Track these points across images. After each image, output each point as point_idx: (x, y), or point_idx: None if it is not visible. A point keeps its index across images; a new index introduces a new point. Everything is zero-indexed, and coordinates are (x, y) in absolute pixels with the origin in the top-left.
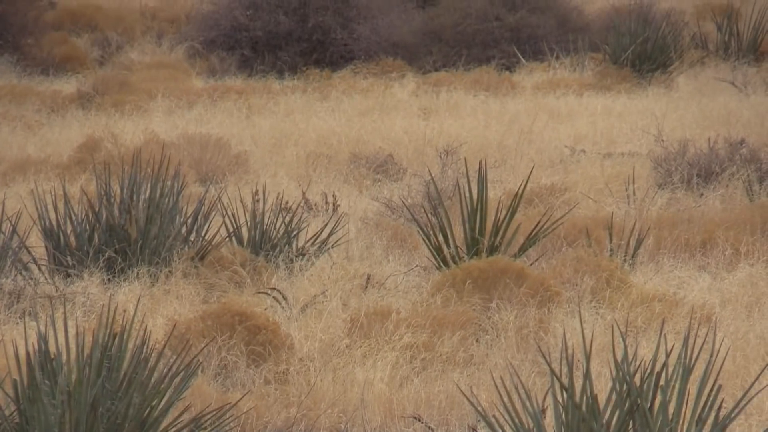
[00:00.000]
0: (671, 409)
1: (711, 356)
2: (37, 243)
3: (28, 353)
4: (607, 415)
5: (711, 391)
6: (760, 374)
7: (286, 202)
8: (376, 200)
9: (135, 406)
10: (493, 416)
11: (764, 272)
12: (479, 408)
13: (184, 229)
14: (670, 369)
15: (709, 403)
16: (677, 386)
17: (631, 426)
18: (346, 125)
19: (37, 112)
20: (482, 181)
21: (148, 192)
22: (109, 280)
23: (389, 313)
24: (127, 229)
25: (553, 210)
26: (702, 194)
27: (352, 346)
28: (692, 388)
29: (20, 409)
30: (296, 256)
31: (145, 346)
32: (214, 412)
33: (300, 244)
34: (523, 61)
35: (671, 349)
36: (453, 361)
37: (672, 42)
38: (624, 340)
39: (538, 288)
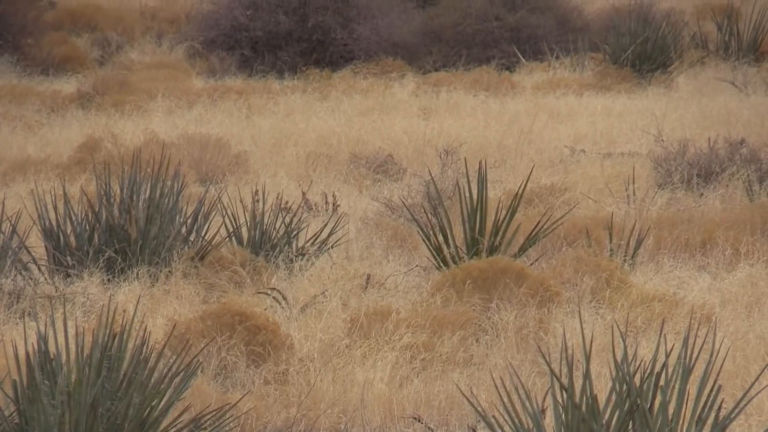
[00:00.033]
0: (671, 410)
1: (711, 356)
2: (36, 243)
3: (27, 353)
4: (606, 416)
5: (711, 391)
6: (760, 374)
7: (286, 202)
8: (376, 200)
9: (135, 407)
10: (493, 416)
11: (764, 272)
12: (479, 408)
13: (184, 229)
14: (670, 369)
15: (709, 404)
16: (677, 386)
17: (630, 426)
18: (346, 125)
19: (37, 112)
20: (482, 181)
21: (148, 192)
22: (108, 280)
23: (389, 313)
24: (127, 229)
25: (553, 210)
26: (702, 194)
27: (351, 346)
28: (692, 388)
29: (20, 409)
30: (296, 256)
31: (145, 347)
32: (214, 413)
33: (300, 244)
34: (523, 61)
35: (671, 350)
36: (453, 362)
37: (672, 42)
38: (624, 341)
39: (538, 288)
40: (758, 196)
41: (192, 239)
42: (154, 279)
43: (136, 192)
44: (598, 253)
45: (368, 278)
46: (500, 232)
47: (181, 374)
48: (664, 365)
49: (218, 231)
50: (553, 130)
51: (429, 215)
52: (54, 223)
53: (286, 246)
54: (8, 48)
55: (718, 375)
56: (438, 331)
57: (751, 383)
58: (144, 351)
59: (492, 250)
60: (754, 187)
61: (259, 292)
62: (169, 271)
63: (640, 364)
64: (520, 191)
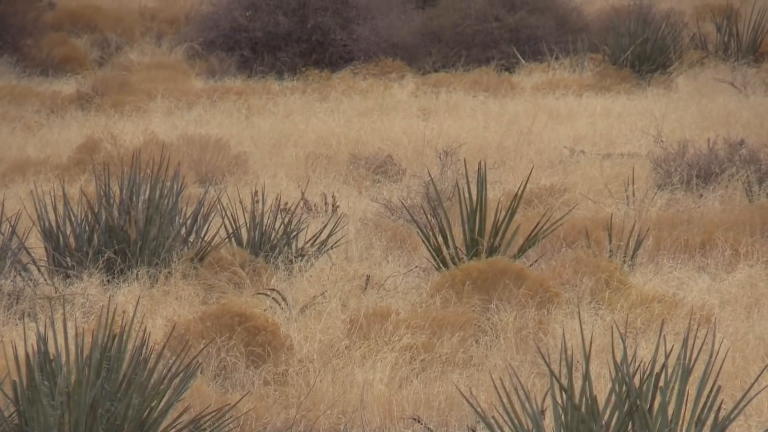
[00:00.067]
0: (671, 410)
1: (710, 357)
2: (36, 244)
3: (27, 354)
4: (606, 416)
5: (710, 392)
6: (759, 375)
7: (286, 203)
8: (375, 201)
9: (134, 407)
10: (493, 417)
11: (764, 273)
12: (478, 409)
13: (183, 230)
14: (670, 370)
15: (708, 404)
16: (677, 387)
17: (630, 427)
18: (345, 126)
19: (37, 113)
20: (481, 182)
21: (147, 193)
22: (108, 281)
23: (388, 314)
24: (126, 230)
25: (553, 211)
26: (701, 195)
27: (351, 347)
28: (691, 389)
29: (19, 410)
30: (295, 257)
31: (145, 347)
32: (214, 413)
33: (299, 245)
34: (523, 61)
35: (671, 350)
36: (452, 362)
37: (671, 43)
38: (623, 341)
39: (538, 289)
40: (758, 197)
41: (191, 240)
42: (154, 280)
43: (136, 193)
44: (598, 254)
45: (368, 279)
46: (500, 233)
47: (181, 375)
48: (664, 366)
49: (218, 232)
50: (552, 130)
51: (428, 216)
52: (53, 224)
53: (286, 247)
54: (8, 49)
55: (717, 376)
56: (437, 332)
57: (750, 384)
58: (143, 352)
59: (491, 251)
60: (753, 187)
61: (258, 293)
62: (169, 272)
63: (639, 365)
64: (520, 192)
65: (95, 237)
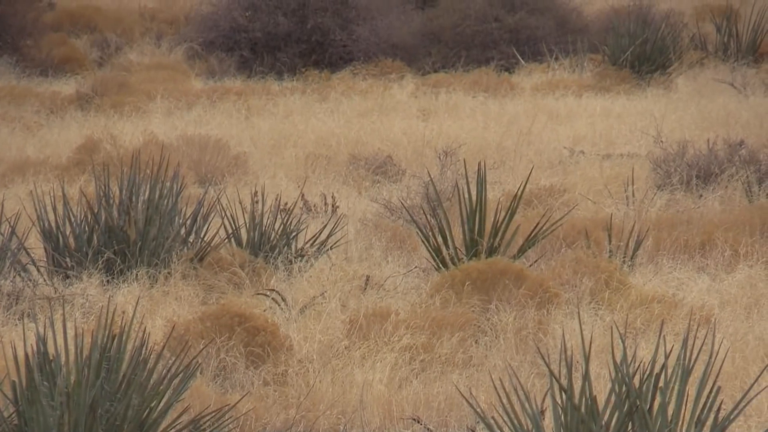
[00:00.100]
0: (670, 411)
1: (710, 357)
2: (36, 244)
3: (26, 354)
4: (606, 417)
5: (710, 392)
6: (759, 376)
7: (285, 204)
8: (375, 201)
9: (134, 408)
10: (492, 418)
11: (763, 273)
12: (478, 409)
13: (183, 231)
14: (670, 370)
15: (708, 405)
16: (676, 387)
17: (630, 427)
18: (345, 126)
19: (36, 113)
20: (481, 183)
21: (147, 193)
22: (108, 281)
23: (388, 315)
24: (126, 231)
25: (552, 211)
26: (701, 195)
27: (351, 347)
28: (691, 389)
29: (19, 410)
30: (295, 258)
31: (144, 348)
32: (213, 414)
33: (299, 246)
34: (522, 62)
35: (670, 351)
36: (452, 363)
37: (671, 43)
38: (623, 342)
39: (537, 289)
40: (757, 197)
41: (191, 240)
42: (153, 280)
43: (135, 193)
44: (598, 255)
45: (367, 279)
46: (499, 234)
47: (180, 375)
48: (664, 366)
49: (217, 232)
50: (552, 131)
51: (428, 216)
52: (53, 224)
53: (285, 247)
54: (7, 49)
55: (717, 376)
56: (437, 333)
57: (750, 384)
58: (143, 352)
59: (491, 251)
60: (753, 188)
61: (258, 294)
62: (168, 273)
63: (639, 366)
64: (520, 192)
65: (95, 237)
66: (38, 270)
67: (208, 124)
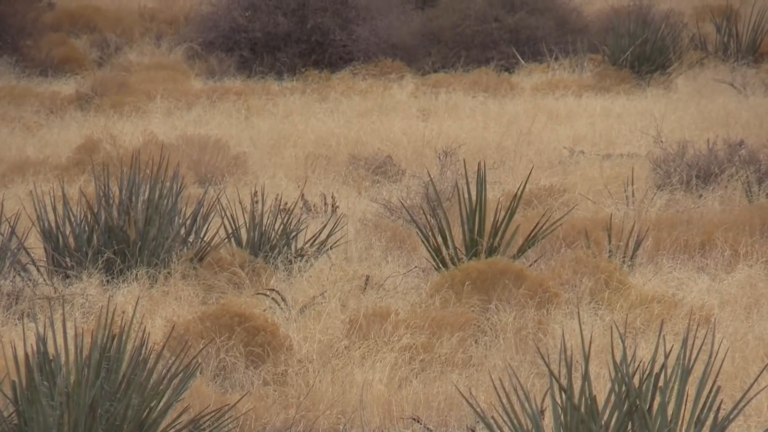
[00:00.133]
0: (670, 411)
1: (710, 357)
2: (35, 244)
3: (26, 354)
4: (606, 417)
5: (710, 392)
6: (759, 375)
7: (285, 204)
8: (374, 201)
9: (134, 407)
10: (492, 417)
11: (763, 273)
12: (478, 409)
13: (182, 231)
14: (669, 370)
15: (708, 405)
16: (676, 387)
17: (630, 427)
18: (344, 126)
19: (36, 114)
20: (481, 182)
21: (147, 193)
22: (107, 281)
23: (388, 315)
24: (125, 231)
25: (552, 211)
26: (701, 195)
27: (350, 347)
28: (691, 389)
29: (19, 410)
30: (295, 258)
31: (144, 348)
32: (213, 413)
33: (299, 246)
34: (522, 62)
35: (670, 351)
36: (452, 363)
37: (671, 43)
38: (623, 342)
39: (537, 289)
40: (757, 197)
41: (191, 240)
42: (153, 280)
43: (135, 193)
44: (597, 254)
45: (367, 279)
46: (499, 234)
47: (180, 375)
48: (663, 366)
49: (217, 232)
50: (552, 131)
51: (428, 216)
52: (53, 224)
53: (285, 247)
54: (7, 49)
55: (717, 376)
56: (437, 332)
57: (750, 384)
58: (143, 352)
59: (491, 251)
60: (753, 188)
61: (258, 293)
62: (168, 273)
63: (639, 365)
64: (519, 192)
65: (94, 237)
66: (38, 270)
67: (208, 124)
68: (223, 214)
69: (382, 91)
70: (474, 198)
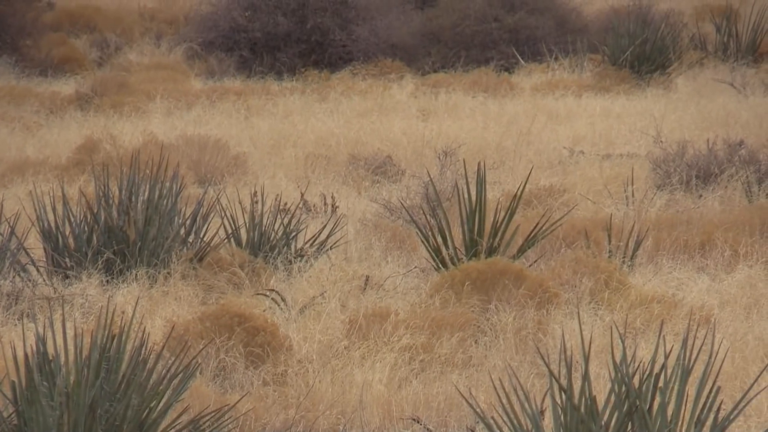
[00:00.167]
0: (670, 411)
1: (710, 357)
2: (35, 244)
3: (26, 355)
4: (605, 417)
5: (710, 392)
6: (759, 376)
7: (285, 204)
8: (374, 201)
9: (133, 408)
10: (492, 418)
11: (763, 273)
12: (478, 409)
13: (182, 231)
14: (669, 370)
15: (708, 405)
16: (676, 388)
17: (630, 427)
18: (344, 126)
19: (36, 114)
20: (481, 183)
21: (146, 193)
22: (107, 281)
23: (388, 315)
24: (125, 231)
25: (552, 211)
26: (701, 195)
27: (350, 347)
28: (691, 389)
29: (18, 410)
30: (295, 258)
31: (144, 348)
32: (213, 414)
33: (299, 246)
34: (522, 62)
35: (670, 351)
36: (452, 363)
37: (671, 43)
38: (623, 342)
39: (537, 289)
40: (757, 197)
41: (191, 240)
42: (153, 280)
43: (135, 193)
44: (597, 255)
45: (367, 279)
46: (499, 234)
47: (180, 375)
48: (663, 366)
49: (217, 232)
50: (551, 131)
51: (428, 216)
52: (52, 224)
53: (285, 247)
54: (7, 49)
55: (717, 376)
56: (437, 333)
57: (750, 384)
58: (143, 352)
59: (491, 251)
60: (752, 188)
61: (257, 294)
62: (168, 273)
63: (639, 366)
64: (519, 192)
65: (94, 237)
66: (38, 270)
67: (208, 124)
68: (222, 215)
69: (382, 91)
70: (474, 198)
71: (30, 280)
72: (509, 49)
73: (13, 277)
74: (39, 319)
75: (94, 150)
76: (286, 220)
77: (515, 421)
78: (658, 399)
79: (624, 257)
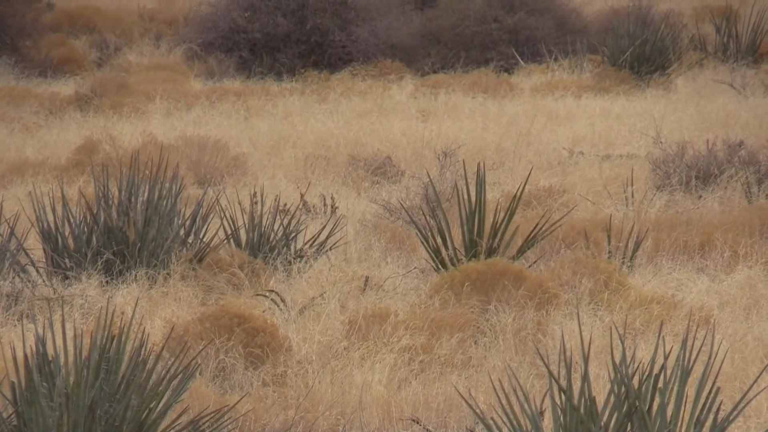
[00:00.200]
0: (670, 412)
1: (709, 358)
2: (35, 245)
3: (26, 355)
4: (605, 418)
5: (709, 393)
6: (758, 376)
7: (285, 204)
8: (374, 202)
9: (133, 408)
10: (492, 418)
11: (762, 274)
12: (477, 410)
13: (182, 231)
14: (669, 371)
15: (707, 406)
16: (675, 388)
17: (629, 428)
18: (344, 127)
19: (35, 114)
20: (480, 183)
21: (146, 194)
22: (107, 282)
23: (387, 316)
24: (125, 231)
25: (552, 212)
26: (700, 196)
27: (350, 348)
28: (691, 390)
29: (18, 411)
30: (294, 258)
31: (143, 348)
32: (212, 414)
33: (298, 246)
34: (522, 63)
35: (669, 351)
36: (451, 364)
37: (670, 44)
38: (622, 342)
39: (537, 290)
40: (757, 198)
41: (190, 241)
42: (153, 281)
43: (135, 194)
44: (597, 255)
45: (366, 280)
46: (498, 234)
47: (180, 376)
48: (663, 367)
49: (216, 233)
50: (551, 132)
51: (427, 217)
52: (52, 225)
53: (285, 248)
54: (6, 50)
55: (716, 377)
56: (436, 333)
57: (749, 385)
58: (142, 353)
59: (490, 252)
60: (752, 188)
61: (257, 294)
62: (168, 273)
63: (638, 366)
64: (519, 193)
65: (94, 238)
66: (37, 271)
67: (207, 125)
68: (222, 215)
69: (382, 92)
70: (473, 199)
71: (29, 281)
72: (509, 49)
73: (13, 277)
74: (38, 320)
75: (93, 151)
76: (285, 221)
77: (515, 422)
78: (657, 400)
79: (623, 258)
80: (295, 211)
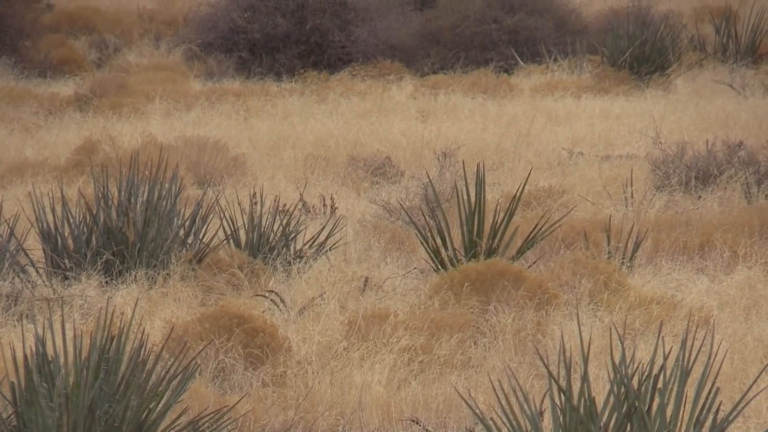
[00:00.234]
0: (669, 412)
1: (709, 359)
2: (34, 245)
3: (25, 356)
4: (605, 418)
5: (709, 393)
6: (758, 377)
7: (284, 205)
8: (373, 203)
9: (133, 409)
10: (491, 419)
11: (762, 275)
12: (477, 411)
13: (181, 232)
14: (668, 371)
15: (707, 406)
16: (675, 389)
17: (629, 428)
18: (343, 127)
19: (35, 115)
20: (480, 184)
21: (145, 194)
22: (106, 282)
23: (387, 316)
24: (124, 232)
25: (551, 212)
26: (700, 197)
27: (349, 348)
28: (690, 390)
29: (18, 411)
30: (294, 259)
31: (143, 349)
32: (212, 415)
33: (298, 247)
34: (521, 63)
35: (669, 352)
36: (451, 364)
37: (670, 44)
38: (622, 343)
39: (536, 290)
40: (756, 199)
41: (190, 242)
42: (152, 281)
43: (134, 194)
44: (596, 256)
45: (366, 281)
46: (498, 235)
47: (179, 377)
48: (662, 367)
49: (216, 233)
50: (551, 132)
51: (427, 218)
52: (52, 225)
53: (284, 248)
54: (6, 50)
55: (716, 377)
56: (436, 334)
57: (749, 386)
58: (142, 353)
59: (490, 252)
60: (752, 189)
61: (257, 295)
62: (167, 274)
63: (638, 367)
64: (518, 194)
65: (93, 239)
66: (37, 271)
67: (207, 126)
68: (222, 216)
69: (381, 93)
70: (473, 199)
71: (29, 282)
72: (508, 50)
73: (13, 278)
74: (38, 321)
75: (93, 151)
76: (285, 221)
77: (514, 422)
78: (657, 400)
79: (623, 258)
80: (294, 212)
